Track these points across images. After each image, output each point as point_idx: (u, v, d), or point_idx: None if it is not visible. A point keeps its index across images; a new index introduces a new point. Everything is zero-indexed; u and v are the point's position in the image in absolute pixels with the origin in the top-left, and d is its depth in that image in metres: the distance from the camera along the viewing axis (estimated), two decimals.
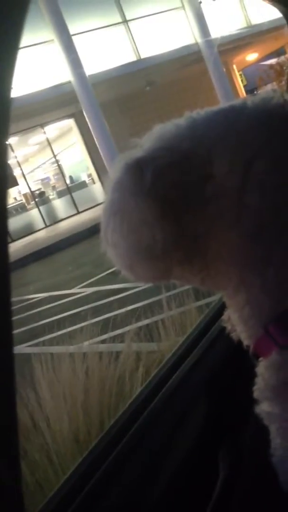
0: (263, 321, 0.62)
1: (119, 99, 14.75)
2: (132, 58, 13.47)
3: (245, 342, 0.68)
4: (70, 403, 2.38)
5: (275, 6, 1.18)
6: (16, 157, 16.13)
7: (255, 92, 18.68)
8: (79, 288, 6.44)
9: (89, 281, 6.53)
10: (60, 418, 2.30)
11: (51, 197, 17.74)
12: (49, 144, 16.69)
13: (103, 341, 3.46)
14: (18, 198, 18.19)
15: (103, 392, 2.43)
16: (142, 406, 0.89)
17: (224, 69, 14.95)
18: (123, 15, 13.56)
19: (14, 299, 0.41)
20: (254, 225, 0.59)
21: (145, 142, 0.65)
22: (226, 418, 0.96)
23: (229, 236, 0.60)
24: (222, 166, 0.59)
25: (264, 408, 0.63)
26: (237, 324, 0.68)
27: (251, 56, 19.26)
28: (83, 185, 17.43)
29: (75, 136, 16.49)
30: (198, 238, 0.61)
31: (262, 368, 0.64)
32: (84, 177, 18.02)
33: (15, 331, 0.47)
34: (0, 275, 0.40)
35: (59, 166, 17.93)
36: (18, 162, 16.27)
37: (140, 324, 3.53)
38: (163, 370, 0.98)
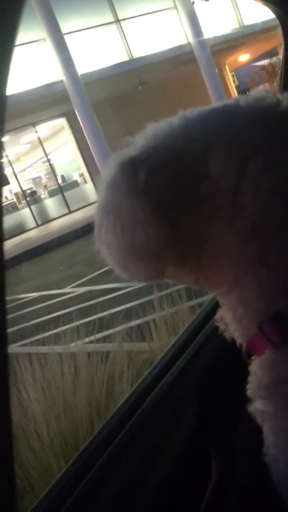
0: (257, 320, 0.62)
1: (111, 99, 14.73)
2: (125, 57, 13.46)
3: (238, 341, 0.68)
4: (59, 404, 2.36)
5: (267, 6, 1.18)
6: (7, 156, 16.05)
7: (247, 92, 18.74)
8: (71, 287, 6.42)
9: (81, 280, 6.51)
10: (49, 420, 2.29)
11: (42, 196, 17.68)
12: (41, 143, 16.63)
13: (94, 341, 3.45)
14: (9, 197, 18.09)
15: (92, 392, 2.42)
16: (135, 406, 0.89)
17: (217, 70, 14.97)
18: (115, 14, 13.54)
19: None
20: (248, 225, 0.59)
21: (139, 141, 0.64)
22: (219, 417, 0.96)
23: (224, 236, 0.60)
24: (217, 166, 0.59)
25: (257, 406, 0.63)
26: (231, 323, 0.68)
27: (243, 57, 19.29)
28: (75, 184, 17.38)
29: (67, 135, 16.44)
30: (192, 238, 0.61)
31: (255, 366, 0.64)
32: (76, 177, 17.97)
33: None
34: None
35: (51, 165, 17.87)
36: (9, 161, 16.19)
37: (131, 324, 3.53)
38: (156, 370, 0.98)
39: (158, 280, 0.68)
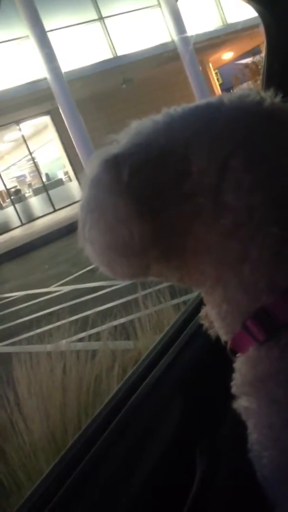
0: (240, 317, 0.62)
1: (95, 96, 14.68)
2: (109, 55, 13.42)
3: (223, 338, 0.68)
4: (48, 402, 2.36)
5: (250, 4, 1.18)
6: None
7: (231, 90, 18.79)
8: (56, 286, 6.40)
9: (66, 279, 6.49)
10: (38, 417, 2.28)
11: (27, 195, 17.58)
12: (25, 141, 16.52)
13: (80, 340, 3.45)
14: None
15: (80, 390, 2.42)
16: (120, 404, 0.89)
17: (200, 68, 15.01)
18: (99, 12, 13.50)
19: None
20: (231, 222, 0.59)
21: (122, 138, 0.64)
22: (204, 414, 0.96)
23: (207, 233, 0.60)
24: (199, 163, 0.59)
25: (241, 403, 0.64)
26: (215, 321, 0.68)
27: (227, 55, 19.36)
28: (59, 182, 17.30)
29: (51, 133, 16.36)
30: (175, 235, 0.61)
31: (240, 363, 0.65)
32: (60, 175, 17.89)
33: None
34: None
35: (35, 164, 17.77)
36: None
37: (116, 322, 3.52)
38: (141, 368, 0.98)
39: (143, 278, 0.68)
